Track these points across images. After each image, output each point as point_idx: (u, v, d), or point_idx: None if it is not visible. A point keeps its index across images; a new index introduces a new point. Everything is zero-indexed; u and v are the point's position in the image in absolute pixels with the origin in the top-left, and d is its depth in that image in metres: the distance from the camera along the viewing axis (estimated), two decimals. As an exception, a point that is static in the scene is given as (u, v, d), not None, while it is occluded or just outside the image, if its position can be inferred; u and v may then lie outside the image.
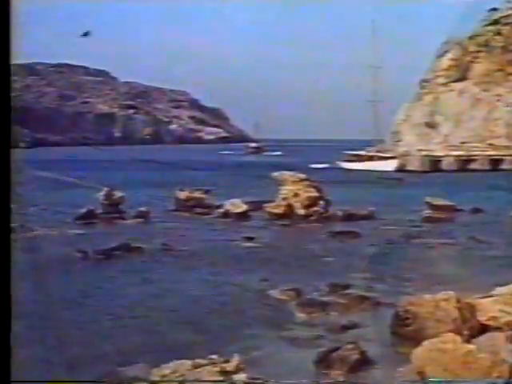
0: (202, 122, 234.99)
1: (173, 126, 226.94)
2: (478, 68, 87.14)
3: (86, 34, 44.70)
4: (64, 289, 17.73)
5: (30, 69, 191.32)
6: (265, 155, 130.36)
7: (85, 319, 15.09)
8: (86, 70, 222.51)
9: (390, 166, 73.23)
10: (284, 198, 33.53)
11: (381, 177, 61.68)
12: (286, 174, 34.63)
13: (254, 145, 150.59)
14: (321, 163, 79.21)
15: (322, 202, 33.60)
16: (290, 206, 33.24)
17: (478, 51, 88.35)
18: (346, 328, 14.34)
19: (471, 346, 10.26)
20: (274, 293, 17.38)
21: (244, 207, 33.70)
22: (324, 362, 11.90)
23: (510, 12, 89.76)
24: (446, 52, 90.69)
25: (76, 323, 14.70)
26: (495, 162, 74.49)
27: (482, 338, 11.71)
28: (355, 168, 73.86)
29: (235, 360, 9.40)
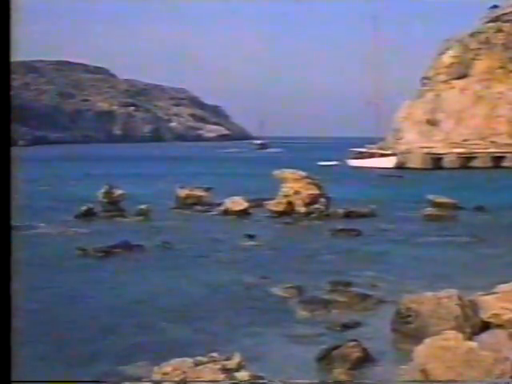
0: (202, 119, 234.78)
1: (173, 124, 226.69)
2: (480, 65, 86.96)
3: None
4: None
5: (30, 66, 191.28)
6: (272, 151, 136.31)
7: (85, 317, 15.04)
8: (86, 68, 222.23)
9: (390, 163, 73.35)
10: (285, 196, 33.45)
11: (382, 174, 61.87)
12: (287, 172, 34.53)
13: (259, 142, 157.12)
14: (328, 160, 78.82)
15: (322, 200, 33.53)
16: (290, 204, 33.16)
17: (479, 48, 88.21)
18: (347, 326, 14.28)
19: (473, 344, 10.20)
20: (276, 290, 17.32)
21: (244, 205, 33.62)
22: (326, 359, 11.87)
23: (510, 9, 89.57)
24: (447, 49, 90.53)
25: (76, 321, 14.68)
26: (497, 160, 74.38)
27: (484, 336, 11.67)
28: (359, 165, 73.98)
29: (236, 358, 9.36)
